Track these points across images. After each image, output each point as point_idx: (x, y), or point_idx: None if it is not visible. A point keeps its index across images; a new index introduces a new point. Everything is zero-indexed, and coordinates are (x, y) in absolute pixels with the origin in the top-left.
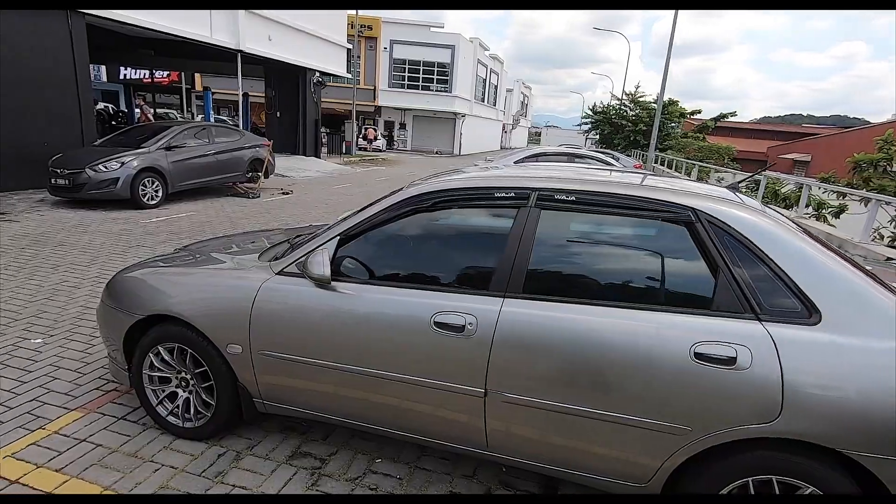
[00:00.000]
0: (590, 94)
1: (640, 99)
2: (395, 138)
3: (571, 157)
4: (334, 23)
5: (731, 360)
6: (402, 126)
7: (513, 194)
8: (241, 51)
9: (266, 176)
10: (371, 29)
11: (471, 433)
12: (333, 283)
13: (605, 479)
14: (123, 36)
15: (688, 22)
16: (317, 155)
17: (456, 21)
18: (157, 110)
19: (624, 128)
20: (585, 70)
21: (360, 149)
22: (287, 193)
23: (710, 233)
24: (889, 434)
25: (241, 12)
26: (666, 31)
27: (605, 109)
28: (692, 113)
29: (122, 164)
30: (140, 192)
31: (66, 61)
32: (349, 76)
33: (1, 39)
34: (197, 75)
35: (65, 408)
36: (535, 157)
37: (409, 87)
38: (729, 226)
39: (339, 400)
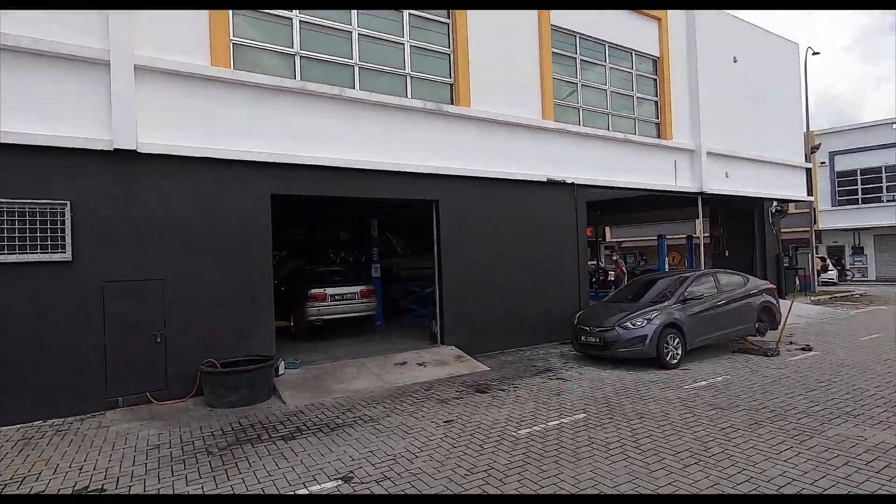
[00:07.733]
0: None
1: None
2: (848, 266)
3: None
4: (790, 141)
5: None
6: (859, 250)
7: None
8: (702, 193)
9: (775, 328)
10: (818, 147)
11: None
12: None
13: None
14: None
15: None
16: (781, 295)
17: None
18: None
19: None
20: None
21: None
22: (807, 349)
23: None
24: None
25: (704, 155)
26: None
27: None
28: None
29: (648, 320)
30: (664, 350)
31: (573, 225)
32: (811, 199)
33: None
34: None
35: None
36: None
37: (867, 200)
38: None
39: None
